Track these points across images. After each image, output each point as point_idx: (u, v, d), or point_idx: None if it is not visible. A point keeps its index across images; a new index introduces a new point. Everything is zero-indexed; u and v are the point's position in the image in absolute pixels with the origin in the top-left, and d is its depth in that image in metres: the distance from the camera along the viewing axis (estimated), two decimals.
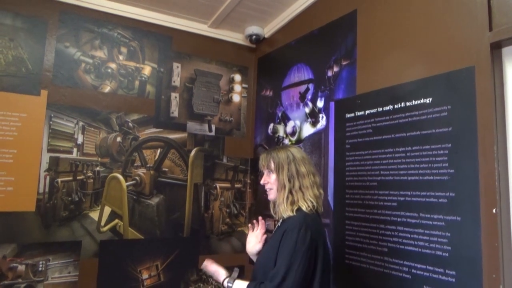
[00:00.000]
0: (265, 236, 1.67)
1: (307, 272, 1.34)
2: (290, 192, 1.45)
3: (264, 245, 1.60)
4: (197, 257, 2.54)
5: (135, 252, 2.32)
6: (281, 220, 1.48)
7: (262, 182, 1.54)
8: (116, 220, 2.29)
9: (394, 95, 1.71)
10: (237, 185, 2.74)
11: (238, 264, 2.58)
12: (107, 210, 2.26)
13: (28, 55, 2.07)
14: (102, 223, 2.24)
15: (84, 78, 2.23)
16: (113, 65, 2.32)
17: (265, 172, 1.54)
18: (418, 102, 1.60)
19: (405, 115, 1.64)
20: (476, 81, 1.40)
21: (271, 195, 1.52)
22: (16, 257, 2.00)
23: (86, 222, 2.20)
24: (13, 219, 2.00)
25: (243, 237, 2.73)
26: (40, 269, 2.05)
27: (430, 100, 1.55)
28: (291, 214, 1.42)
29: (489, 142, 1.34)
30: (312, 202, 1.43)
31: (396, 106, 1.69)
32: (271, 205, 1.55)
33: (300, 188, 1.45)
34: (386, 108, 1.74)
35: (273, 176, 1.50)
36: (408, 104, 1.64)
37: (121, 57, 2.35)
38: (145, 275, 2.35)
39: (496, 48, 1.39)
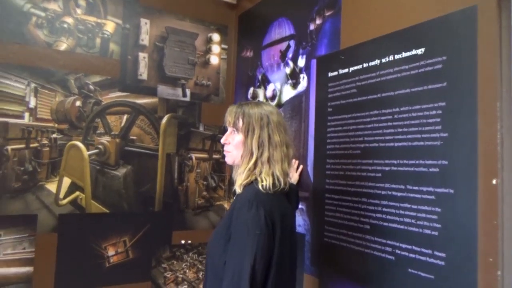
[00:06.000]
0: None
1: (266, 260, 1.10)
2: (255, 162, 1.21)
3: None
4: (170, 233, 2.34)
5: (100, 227, 2.13)
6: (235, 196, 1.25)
7: (222, 140, 1.29)
8: (77, 193, 2.08)
9: (381, 48, 1.45)
10: (216, 156, 2.51)
11: None
12: (67, 181, 2.05)
13: None
14: (61, 195, 2.04)
15: (36, 34, 1.96)
16: (69, 20, 2.05)
17: (229, 129, 1.29)
18: (408, 54, 1.34)
19: (393, 70, 1.39)
20: (479, 24, 1.13)
21: (228, 159, 1.28)
22: None
23: (42, 194, 1.99)
24: None
25: (221, 212, 2.52)
26: None
27: (423, 50, 1.29)
28: (239, 190, 1.19)
29: (492, 98, 1.09)
30: (275, 180, 1.18)
31: (383, 60, 1.43)
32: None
33: (268, 160, 1.19)
34: (372, 63, 1.48)
35: (238, 138, 1.24)
36: (397, 57, 1.38)
37: (79, 11, 2.08)
38: (111, 252, 2.16)
39: None
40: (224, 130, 1.33)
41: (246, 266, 1.06)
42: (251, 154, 1.19)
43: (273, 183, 1.17)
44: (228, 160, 1.28)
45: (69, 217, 2.05)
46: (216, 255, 1.17)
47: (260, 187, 1.16)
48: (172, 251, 2.36)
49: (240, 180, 1.19)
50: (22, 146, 1.94)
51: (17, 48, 1.92)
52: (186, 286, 2.41)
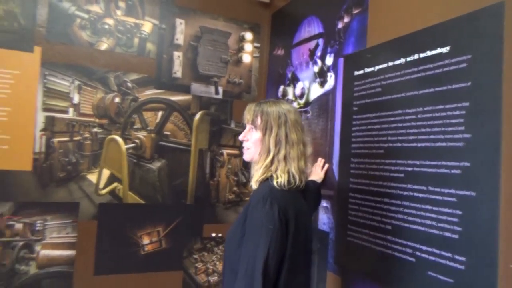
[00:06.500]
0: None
1: (279, 254, 1.13)
2: (272, 160, 1.25)
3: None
4: (201, 225, 2.43)
5: (135, 217, 2.26)
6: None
7: (240, 137, 1.34)
8: (115, 184, 2.22)
9: (407, 46, 1.42)
10: None
11: None
12: (106, 172, 2.20)
13: (20, 9, 1.98)
14: (101, 185, 2.19)
15: (79, 35, 2.12)
16: (110, 21, 2.19)
17: (248, 127, 1.33)
18: (433, 52, 1.31)
19: (418, 69, 1.36)
20: (505, 21, 1.09)
21: (247, 156, 1.33)
22: (13, 216, 2.00)
23: (84, 184, 2.15)
24: (10, 177, 1.98)
25: None
26: (37, 228, 2.05)
27: (448, 49, 1.26)
28: (255, 186, 1.23)
29: None
30: (290, 177, 1.21)
31: (408, 59, 1.41)
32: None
33: (284, 157, 1.23)
34: (398, 61, 1.46)
35: (256, 135, 1.28)
36: (422, 55, 1.35)
37: (118, 12, 2.20)
38: (145, 241, 2.29)
39: None
40: (243, 127, 1.37)
41: (259, 259, 1.10)
42: (268, 152, 1.23)
43: (288, 180, 1.20)
44: (246, 157, 1.33)
45: (108, 206, 2.20)
46: (232, 249, 1.22)
47: (275, 183, 1.19)
48: (203, 243, 2.45)
49: (256, 176, 1.23)
50: (67, 139, 2.11)
51: (63, 48, 2.07)
52: (216, 277, 2.49)
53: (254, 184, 1.25)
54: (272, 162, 1.23)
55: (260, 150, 1.26)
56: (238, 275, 1.15)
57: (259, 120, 1.27)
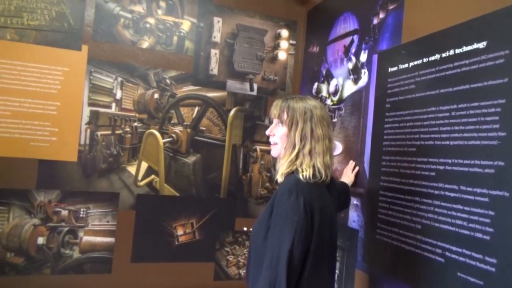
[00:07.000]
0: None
1: (304, 246, 1.15)
2: (297, 154, 1.27)
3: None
4: (233, 219, 2.49)
5: (171, 208, 2.35)
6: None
7: (267, 132, 1.37)
8: (153, 176, 2.33)
9: (442, 42, 1.39)
10: None
11: None
12: (144, 165, 2.31)
13: (70, 10, 2.12)
14: (139, 177, 2.30)
15: (123, 34, 2.23)
16: (151, 20, 2.29)
17: (275, 121, 1.36)
18: (469, 48, 1.27)
19: (453, 65, 1.33)
20: None
21: (274, 151, 1.35)
22: (60, 203, 2.15)
23: (124, 175, 2.27)
24: (57, 167, 2.13)
25: None
26: (81, 215, 2.19)
27: (485, 44, 1.22)
28: (281, 179, 1.25)
29: None
30: (315, 171, 1.22)
31: (443, 55, 1.37)
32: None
33: (309, 152, 1.24)
34: (432, 57, 1.42)
35: (282, 131, 1.31)
36: (457, 51, 1.32)
37: (159, 12, 2.30)
38: (180, 231, 2.38)
39: None
40: (270, 122, 1.40)
41: (283, 250, 1.12)
42: (294, 146, 1.25)
43: (313, 174, 1.21)
44: (274, 153, 1.35)
45: (145, 197, 2.30)
46: (258, 242, 1.25)
47: (300, 176, 1.21)
48: (235, 237, 2.50)
49: (281, 170, 1.26)
50: (109, 132, 2.23)
51: (108, 46, 2.20)
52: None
53: (279, 178, 1.27)
54: (297, 156, 1.25)
55: (286, 144, 1.28)
56: (263, 266, 1.18)
57: (285, 116, 1.29)
